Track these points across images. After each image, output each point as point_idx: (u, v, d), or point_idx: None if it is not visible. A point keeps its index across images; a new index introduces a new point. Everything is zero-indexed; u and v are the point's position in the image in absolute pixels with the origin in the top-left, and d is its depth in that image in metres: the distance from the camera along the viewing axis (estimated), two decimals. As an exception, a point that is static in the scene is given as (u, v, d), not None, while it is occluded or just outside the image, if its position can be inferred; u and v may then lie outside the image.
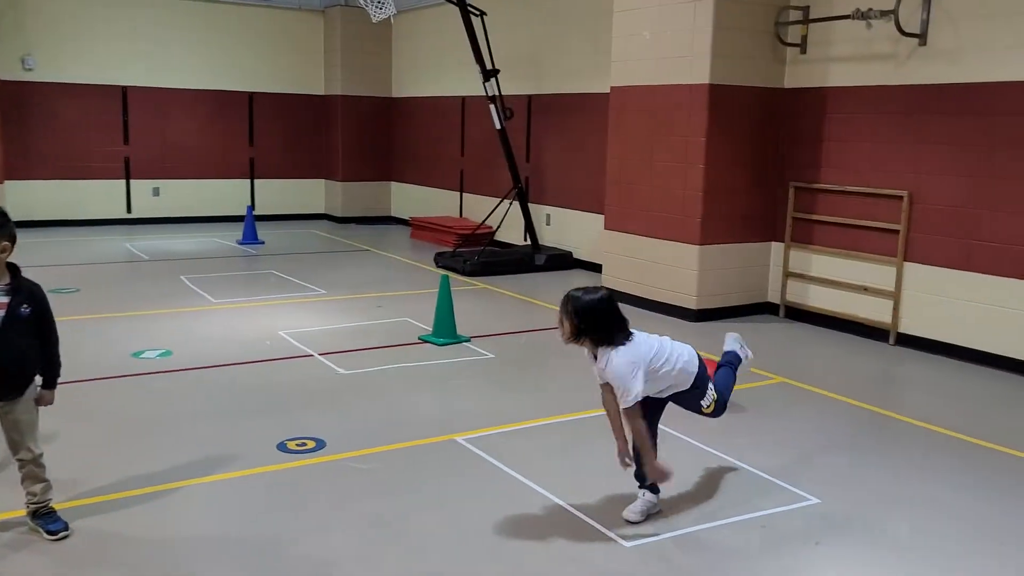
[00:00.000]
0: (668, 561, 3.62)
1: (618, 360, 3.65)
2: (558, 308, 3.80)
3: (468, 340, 7.06)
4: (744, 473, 4.51)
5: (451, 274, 8.76)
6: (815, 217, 7.99)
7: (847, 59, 7.64)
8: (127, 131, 13.45)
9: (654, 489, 3.99)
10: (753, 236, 8.33)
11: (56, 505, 3.78)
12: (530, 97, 11.49)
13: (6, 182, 12.26)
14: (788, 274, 8.25)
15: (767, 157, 8.23)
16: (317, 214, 15.19)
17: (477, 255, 10.54)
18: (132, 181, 13.57)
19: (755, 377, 6.18)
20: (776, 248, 8.37)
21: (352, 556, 3.60)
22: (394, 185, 15.22)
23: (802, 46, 8.00)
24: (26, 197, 12.52)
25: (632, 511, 3.93)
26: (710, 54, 7.69)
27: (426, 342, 6.98)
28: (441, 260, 10.71)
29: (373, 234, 13.70)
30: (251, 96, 14.35)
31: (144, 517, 3.89)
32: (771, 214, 8.35)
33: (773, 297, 8.44)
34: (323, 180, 15.13)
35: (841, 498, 4.23)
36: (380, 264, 11.03)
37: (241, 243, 12.10)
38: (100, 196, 13.36)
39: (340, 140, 14.74)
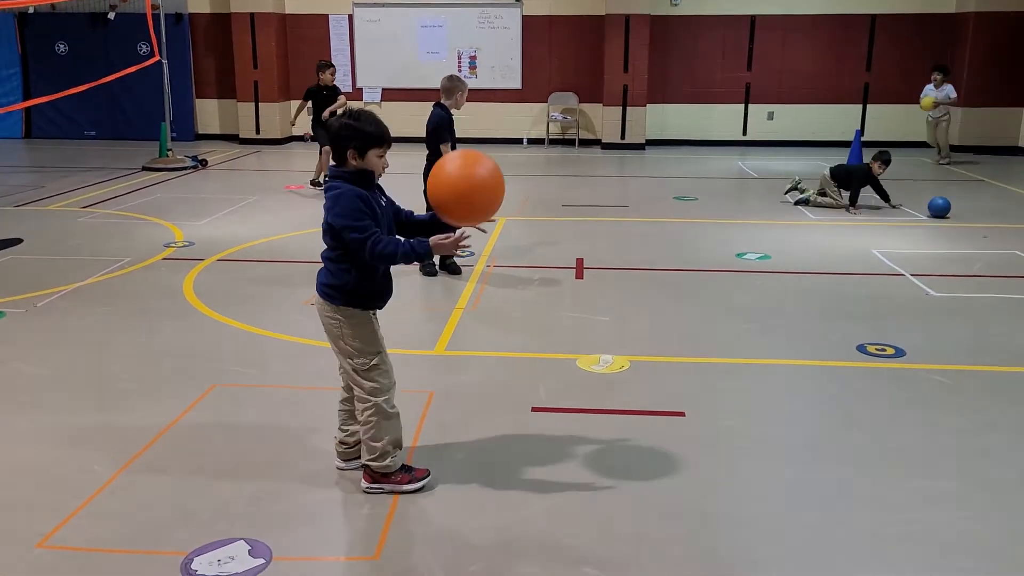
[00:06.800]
0: None
1: None
2: None
3: (1090, 281, 6.34)
4: None
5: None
6: None
7: None
8: (751, 58, 14.45)
9: None
10: None
11: (666, 358, 4.77)
12: None
13: (648, 105, 14.34)
14: None
15: None
16: (923, 142, 14.20)
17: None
18: (750, 105, 14.62)
19: None
20: None
21: (911, 457, 3.87)
22: (1027, 111, 13.53)
23: None
24: (660, 118, 14.52)
25: None
26: None
27: (1037, 278, 6.49)
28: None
29: (994, 165, 12.50)
30: (872, 19, 14.06)
31: (732, 383, 4.69)
32: None
33: None
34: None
35: None
36: (997, 196, 10.16)
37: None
38: (721, 119, 14.72)
39: (967, 60, 13.57)
